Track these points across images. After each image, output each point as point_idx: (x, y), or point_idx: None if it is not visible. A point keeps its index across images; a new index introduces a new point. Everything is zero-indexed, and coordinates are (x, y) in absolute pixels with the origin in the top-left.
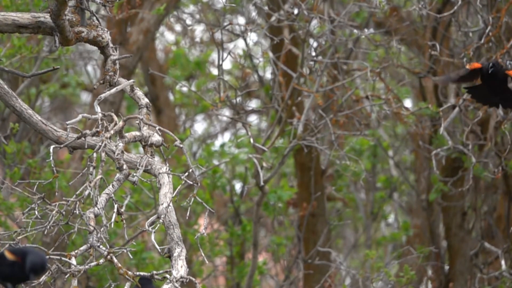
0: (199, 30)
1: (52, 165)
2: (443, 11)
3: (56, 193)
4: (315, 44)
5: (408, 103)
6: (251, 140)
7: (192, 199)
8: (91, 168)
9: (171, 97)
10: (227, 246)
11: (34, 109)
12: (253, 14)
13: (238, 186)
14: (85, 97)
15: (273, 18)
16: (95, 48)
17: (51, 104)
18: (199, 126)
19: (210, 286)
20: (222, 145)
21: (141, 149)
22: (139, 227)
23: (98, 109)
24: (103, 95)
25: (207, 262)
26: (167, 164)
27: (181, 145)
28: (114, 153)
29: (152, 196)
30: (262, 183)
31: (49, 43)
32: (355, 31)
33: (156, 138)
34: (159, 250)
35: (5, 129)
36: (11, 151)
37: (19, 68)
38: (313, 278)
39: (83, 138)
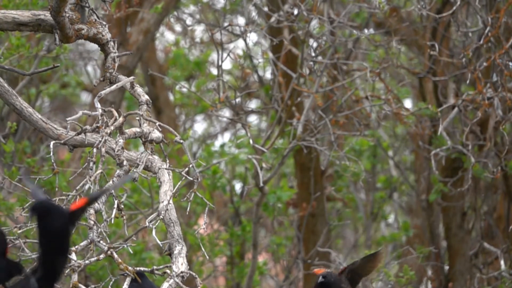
0: (199, 30)
1: (52, 160)
2: (442, 11)
3: (56, 189)
4: (314, 45)
5: (408, 103)
6: (251, 141)
7: (192, 194)
8: (91, 163)
9: (171, 97)
10: (227, 246)
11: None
12: (253, 14)
13: (238, 186)
14: (85, 97)
15: (272, 19)
16: (95, 48)
17: (51, 104)
18: (199, 126)
19: (210, 286)
20: (222, 146)
21: (141, 149)
22: (138, 226)
23: (98, 105)
24: (103, 92)
25: (208, 257)
26: (168, 161)
27: (181, 141)
28: (114, 150)
29: (150, 195)
30: (261, 184)
31: (49, 42)
32: (355, 31)
33: (156, 134)
34: (161, 246)
35: (4, 128)
36: (9, 150)
37: (18, 67)
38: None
39: (83, 135)
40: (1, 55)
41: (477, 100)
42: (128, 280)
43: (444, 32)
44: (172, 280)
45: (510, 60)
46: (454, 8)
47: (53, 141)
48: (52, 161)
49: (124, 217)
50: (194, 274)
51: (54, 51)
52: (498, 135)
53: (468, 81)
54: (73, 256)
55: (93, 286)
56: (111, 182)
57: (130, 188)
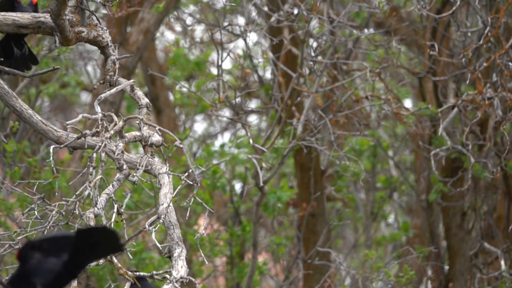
0: (199, 30)
1: (52, 165)
2: (442, 11)
3: (56, 193)
4: (314, 45)
5: (408, 103)
6: (250, 141)
7: (192, 199)
8: (91, 168)
9: (171, 97)
10: (227, 246)
11: (34, 109)
12: (253, 14)
13: (238, 186)
14: (85, 97)
15: (272, 19)
16: (95, 48)
17: (51, 104)
18: (199, 126)
19: (210, 286)
20: (222, 145)
21: (141, 149)
22: (139, 226)
23: (98, 109)
24: (103, 95)
25: (207, 262)
26: (167, 164)
27: (181, 145)
28: (114, 153)
29: (152, 194)
30: (261, 184)
31: (49, 42)
32: (355, 31)
33: (156, 138)
34: (160, 249)
35: (5, 128)
36: (11, 149)
37: None
38: (313, 278)
39: (83, 138)
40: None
41: (477, 100)
42: (128, 284)
43: (444, 32)
44: (171, 284)
45: (510, 60)
46: (454, 8)
47: (53, 146)
48: (52, 165)
49: (124, 221)
50: (193, 280)
51: (56, 51)
52: (498, 135)
53: (468, 81)
54: None
55: None
56: (110, 186)
57: (130, 188)
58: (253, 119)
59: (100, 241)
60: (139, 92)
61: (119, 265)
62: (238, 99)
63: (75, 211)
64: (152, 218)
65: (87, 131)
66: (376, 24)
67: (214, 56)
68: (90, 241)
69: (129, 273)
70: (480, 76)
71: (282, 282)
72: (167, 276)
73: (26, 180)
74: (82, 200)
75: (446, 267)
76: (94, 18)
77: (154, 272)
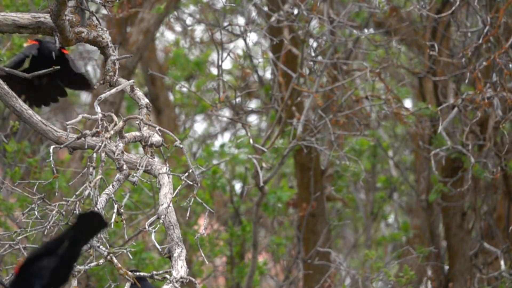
0: (199, 30)
1: (52, 165)
2: (442, 11)
3: (56, 193)
4: (314, 45)
5: (408, 103)
6: (251, 141)
7: (192, 199)
8: (91, 169)
9: (171, 97)
10: (227, 246)
11: (33, 109)
12: (253, 14)
13: (238, 186)
14: (85, 97)
15: (272, 19)
16: (95, 48)
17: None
18: (199, 126)
19: (210, 286)
20: (222, 146)
21: (141, 149)
22: (139, 227)
23: (98, 109)
24: (103, 95)
25: (207, 262)
26: (167, 165)
27: (181, 145)
28: (114, 153)
29: (151, 194)
30: (261, 184)
31: None
32: (355, 31)
33: (156, 138)
34: (160, 250)
35: (5, 128)
36: (11, 150)
37: None
38: (313, 278)
39: (83, 139)
40: (2, 57)
41: (477, 100)
42: (128, 284)
43: (444, 32)
44: (171, 284)
45: (510, 60)
46: (454, 8)
47: (53, 146)
48: (52, 165)
49: (124, 221)
50: (193, 280)
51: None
52: (498, 135)
53: (467, 81)
54: None
55: None
56: (110, 186)
57: (130, 188)
58: (253, 119)
59: (84, 226)
60: (139, 92)
61: (119, 265)
62: (238, 99)
63: (75, 211)
64: (152, 219)
65: (87, 131)
66: (376, 24)
67: (214, 56)
68: (77, 229)
69: (129, 273)
70: (480, 76)
71: (282, 282)
72: (167, 276)
73: (26, 180)
74: (82, 200)
75: (446, 267)
76: (94, 18)
77: (154, 272)
